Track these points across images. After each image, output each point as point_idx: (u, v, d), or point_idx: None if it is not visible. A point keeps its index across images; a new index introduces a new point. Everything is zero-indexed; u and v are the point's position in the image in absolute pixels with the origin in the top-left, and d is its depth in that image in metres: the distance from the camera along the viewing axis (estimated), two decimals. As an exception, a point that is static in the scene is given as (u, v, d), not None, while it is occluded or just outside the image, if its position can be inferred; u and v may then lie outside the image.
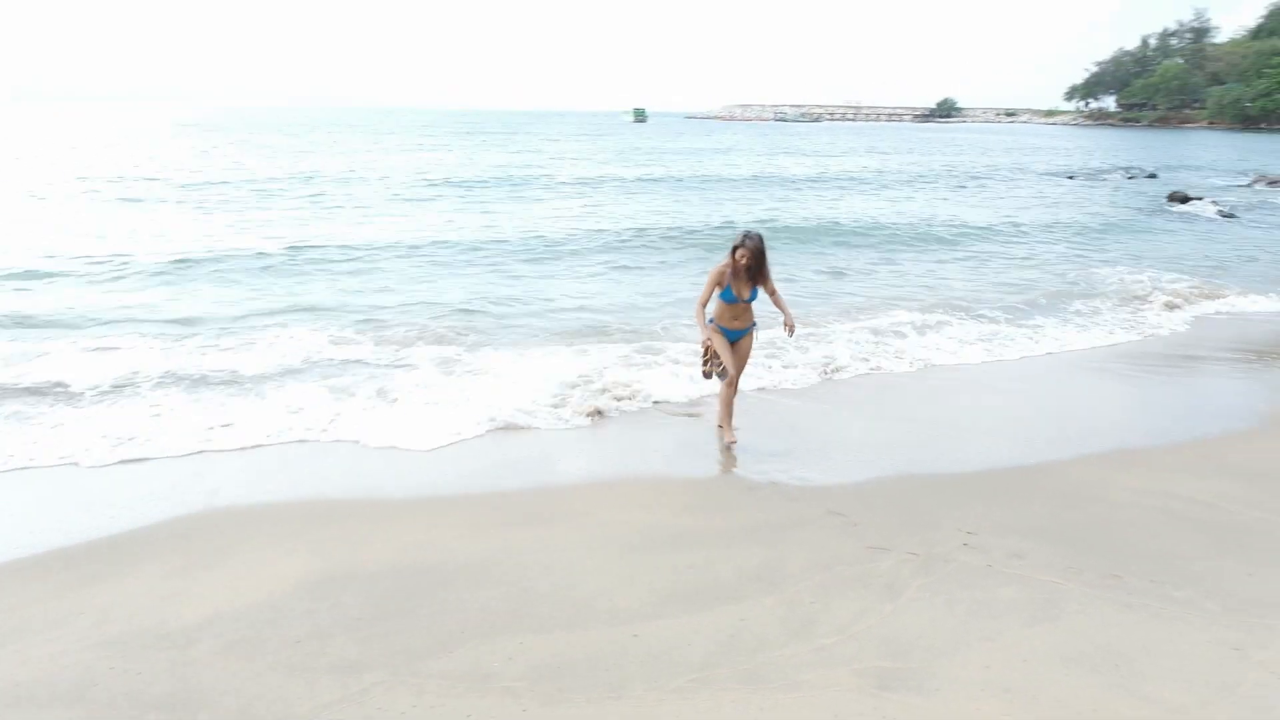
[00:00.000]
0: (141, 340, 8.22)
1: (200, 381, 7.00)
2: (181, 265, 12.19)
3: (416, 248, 14.19)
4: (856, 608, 3.89)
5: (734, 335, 5.91)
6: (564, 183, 26.99)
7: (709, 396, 6.95)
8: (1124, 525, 4.83)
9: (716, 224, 17.74)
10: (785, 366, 7.75)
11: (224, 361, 7.54)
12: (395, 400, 6.65)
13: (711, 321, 5.88)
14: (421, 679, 3.37)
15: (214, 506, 4.99)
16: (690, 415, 6.65)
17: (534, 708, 3.19)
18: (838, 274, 13.03)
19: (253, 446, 5.85)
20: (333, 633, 3.68)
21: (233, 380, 7.08)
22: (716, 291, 5.76)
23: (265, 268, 12.18)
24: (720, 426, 6.10)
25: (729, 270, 5.69)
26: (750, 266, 5.66)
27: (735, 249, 5.64)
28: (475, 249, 14.32)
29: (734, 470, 5.66)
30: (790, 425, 6.44)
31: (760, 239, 5.67)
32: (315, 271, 12.09)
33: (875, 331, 9.10)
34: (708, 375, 6.07)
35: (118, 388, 6.76)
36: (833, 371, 7.76)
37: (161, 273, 11.68)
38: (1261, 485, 5.41)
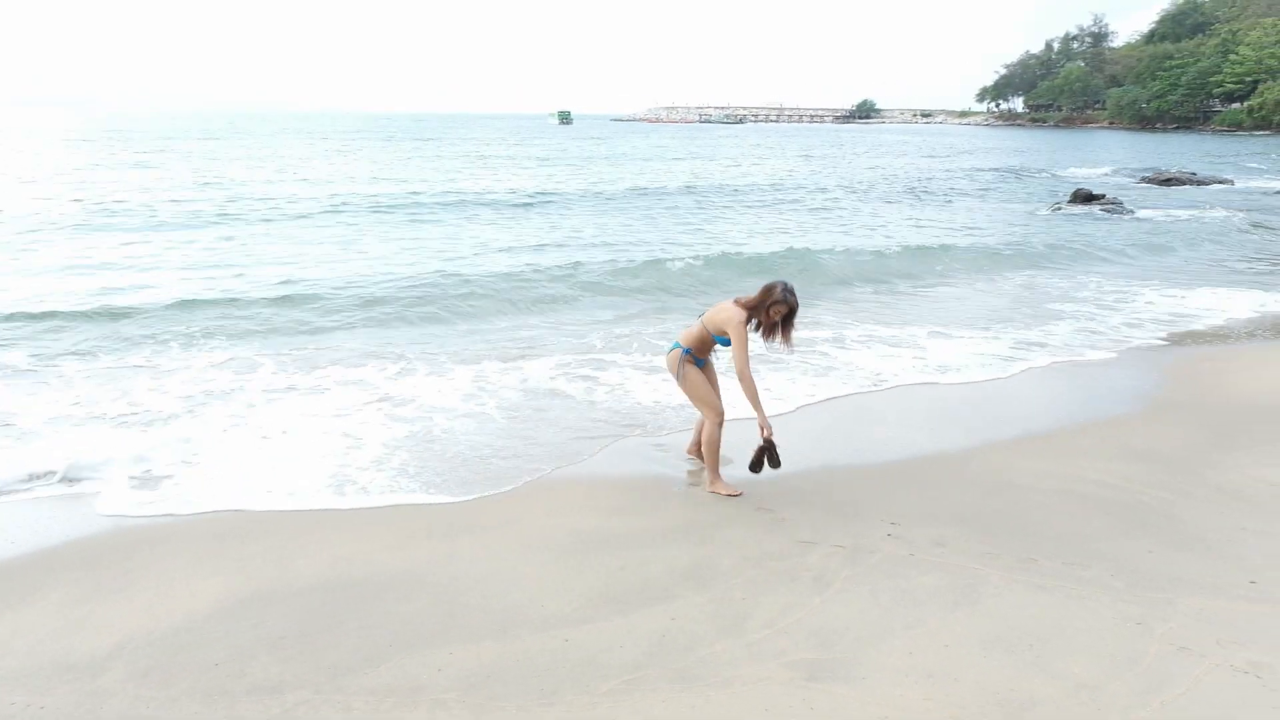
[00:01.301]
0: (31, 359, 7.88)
1: (93, 414, 6.53)
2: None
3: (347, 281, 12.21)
4: (786, 602, 3.96)
5: (702, 361, 5.51)
6: (497, 198, 24.62)
7: (640, 409, 6.98)
8: (1037, 509, 5.04)
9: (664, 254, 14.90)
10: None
11: (118, 386, 7.20)
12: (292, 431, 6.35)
13: (688, 352, 5.33)
14: (347, 695, 3.28)
15: (121, 528, 4.77)
16: (622, 423, 6.65)
17: (464, 718, 3.15)
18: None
19: (164, 476, 5.53)
20: (254, 653, 3.56)
21: (128, 400, 6.77)
22: (706, 331, 5.28)
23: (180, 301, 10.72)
24: (710, 473, 5.39)
25: (751, 319, 5.16)
26: (776, 324, 5.15)
27: (771, 304, 5.07)
28: (384, 281, 12.27)
29: (664, 471, 5.68)
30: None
31: (796, 296, 5.15)
32: (228, 299, 10.80)
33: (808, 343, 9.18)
34: (758, 468, 5.17)
35: (9, 425, 6.26)
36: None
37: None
38: (1159, 466, 5.73)
